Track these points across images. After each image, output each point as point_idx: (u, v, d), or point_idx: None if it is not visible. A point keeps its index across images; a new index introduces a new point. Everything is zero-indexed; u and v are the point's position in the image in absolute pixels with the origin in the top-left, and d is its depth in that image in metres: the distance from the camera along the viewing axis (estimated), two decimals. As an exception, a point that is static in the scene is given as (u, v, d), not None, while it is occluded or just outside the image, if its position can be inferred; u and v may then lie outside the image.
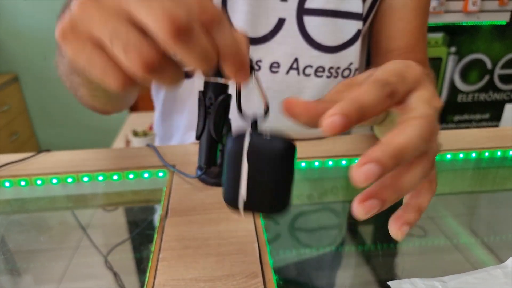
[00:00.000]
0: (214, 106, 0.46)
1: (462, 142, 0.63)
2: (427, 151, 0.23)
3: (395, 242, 0.54)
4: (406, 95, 0.24)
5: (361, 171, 0.20)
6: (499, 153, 0.61)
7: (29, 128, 2.17)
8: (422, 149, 0.22)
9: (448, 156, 0.60)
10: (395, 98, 0.23)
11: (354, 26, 0.57)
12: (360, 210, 0.22)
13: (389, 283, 0.37)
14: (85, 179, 0.55)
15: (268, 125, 0.61)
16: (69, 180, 0.55)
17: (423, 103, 0.24)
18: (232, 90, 0.55)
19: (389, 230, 0.24)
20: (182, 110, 0.65)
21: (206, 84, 0.46)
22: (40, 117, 2.18)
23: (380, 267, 0.48)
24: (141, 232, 0.53)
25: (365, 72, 0.29)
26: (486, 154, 0.61)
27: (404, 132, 0.21)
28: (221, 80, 0.46)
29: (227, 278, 0.37)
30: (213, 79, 0.45)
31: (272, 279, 0.37)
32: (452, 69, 2.11)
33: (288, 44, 0.57)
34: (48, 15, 1.97)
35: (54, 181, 0.55)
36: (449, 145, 0.62)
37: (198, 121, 0.40)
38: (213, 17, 0.22)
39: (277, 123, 0.61)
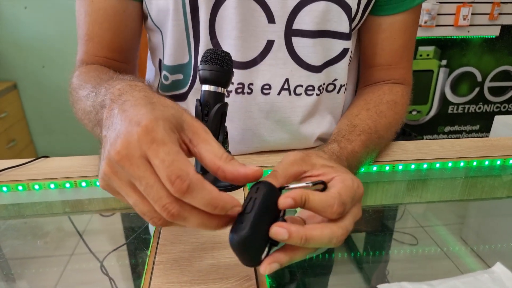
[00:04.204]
0: (211, 114, 0.47)
1: (451, 152, 0.65)
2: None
3: (387, 249, 0.55)
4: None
5: (267, 267, 0.31)
6: (487, 162, 0.63)
7: (27, 135, 2.16)
8: (322, 246, 0.32)
9: (437, 165, 0.62)
10: (342, 215, 0.33)
11: (340, 45, 0.58)
12: (267, 269, 0.31)
13: (378, 286, 0.38)
14: (83, 184, 0.56)
15: (264, 141, 0.62)
16: (67, 185, 0.56)
17: (351, 217, 0.34)
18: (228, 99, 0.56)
19: (262, 263, 0.31)
20: None
21: (204, 92, 0.47)
22: (38, 125, 2.18)
23: (371, 273, 0.49)
24: (137, 237, 0.53)
25: (321, 156, 0.39)
26: (475, 163, 0.63)
27: (322, 230, 0.31)
28: (218, 89, 0.47)
29: (221, 281, 0.38)
30: (209, 88, 0.46)
31: (265, 282, 0.38)
32: (443, 81, 2.15)
33: (278, 66, 0.57)
34: (48, 24, 1.98)
35: (52, 186, 0.56)
36: (439, 154, 0.64)
37: None
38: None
39: (271, 139, 0.62)
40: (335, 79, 0.61)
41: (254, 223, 0.30)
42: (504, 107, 2.27)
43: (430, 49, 2.05)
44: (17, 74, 2.06)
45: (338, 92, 0.62)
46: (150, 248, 0.43)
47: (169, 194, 0.28)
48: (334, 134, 0.54)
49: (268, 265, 0.31)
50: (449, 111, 2.23)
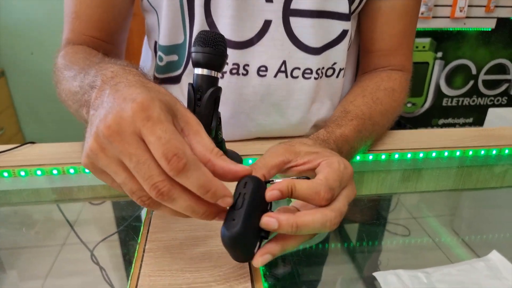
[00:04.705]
0: (204, 98, 0.46)
1: (447, 141, 0.64)
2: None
3: (380, 240, 0.55)
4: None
5: (259, 260, 0.31)
6: (482, 152, 0.62)
7: (15, 123, 2.12)
8: (318, 232, 0.32)
9: (433, 154, 0.61)
10: (332, 200, 0.32)
11: (339, 26, 0.57)
12: (259, 261, 0.31)
13: (374, 274, 0.37)
14: (71, 171, 0.55)
15: (259, 126, 0.61)
16: (54, 172, 0.54)
17: (344, 198, 0.33)
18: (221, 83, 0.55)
19: (254, 257, 0.31)
20: None
21: (196, 76, 0.46)
22: (26, 112, 2.14)
23: (364, 263, 0.49)
24: (129, 226, 0.52)
25: (305, 143, 0.39)
26: (470, 152, 0.62)
27: (313, 216, 0.31)
28: (211, 73, 0.46)
29: (213, 269, 0.36)
30: (202, 71, 0.45)
31: (259, 269, 0.37)
32: (438, 73, 2.15)
33: (275, 47, 0.56)
34: (36, 10, 1.93)
35: (39, 172, 0.54)
36: (435, 143, 0.63)
37: None
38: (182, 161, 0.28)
39: (267, 123, 0.61)
40: (335, 63, 0.59)
41: (246, 219, 0.30)
42: (498, 100, 2.28)
43: (426, 41, 2.04)
44: (4, 61, 2.02)
45: (337, 76, 0.61)
46: (140, 235, 0.42)
47: (161, 173, 0.28)
48: (326, 121, 0.53)
49: (261, 257, 0.31)
50: (444, 104, 2.23)
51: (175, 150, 0.27)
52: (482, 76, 2.19)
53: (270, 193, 0.31)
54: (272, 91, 0.58)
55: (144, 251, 0.39)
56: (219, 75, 0.46)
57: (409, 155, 0.61)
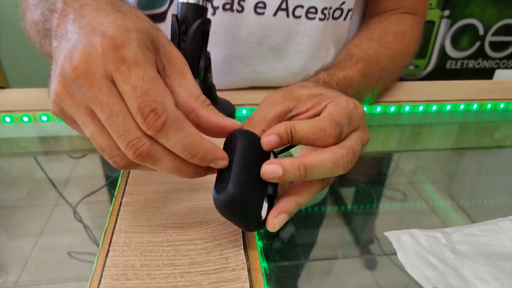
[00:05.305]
0: (190, 32, 0.39)
1: (463, 93, 0.58)
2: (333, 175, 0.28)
3: (377, 204, 0.50)
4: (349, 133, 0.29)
5: (275, 221, 0.26)
6: (502, 105, 0.57)
7: (1, 79, 2.04)
8: (331, 174, 0.27)
9: (448, 107, 0.56)
10: (341, 139, 0.28)
11: None
12: (275, 223, 0.26)
13: (386, 233, 0.33)
14: (44, 118, 0.48)
15: (255, 72, 0.54)
16: (25, 119, 0.48)
17: (355, 137, 0.29)
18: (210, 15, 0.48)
19: (268, 219, 0.26)
20: None
21: (181, 5, 0.39)
22: (12, 68, 2.05)
23: (362, 226, 0.45)
24: (115, 181, 0.47)
25: (305, 86, 0.33)
26: (489, 106, 0.56)
27: (321, 154, 0.26)
28: (198, 1, 0.39)
29: (200, 225, 0.32)
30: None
31: (252, 227, 0.33)
32: (444, 33, 2.05)
33: None
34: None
35: (7, 119, 0.48)
36: (449, 95, 0.58)
37: None
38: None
39: (263, 70, 0.54)
40: (343, 2, 0.52)
41: (237, 175, 0.25)
42: (504, 63, 2.19)
43: (434, -3, 1.93)
44: (-16, 11, 1.90)
45: (345, 18, 0.54)
46: (117, 188, 0.37)
47: (139, 127, 0.23)
48: (327, 65, 0.47)
49: (276, 219, 0.26)
50: (447, 67, 2.15)
51: (153, 104, 0.22)
52: (489, 37, 2.10)
53: (267, 138, 0.26)
54: (271, 32, 0.51)
55: (120, 205, 0.34)
56: (208, 4, 0.39)
57: (421, 108, 0.55)
